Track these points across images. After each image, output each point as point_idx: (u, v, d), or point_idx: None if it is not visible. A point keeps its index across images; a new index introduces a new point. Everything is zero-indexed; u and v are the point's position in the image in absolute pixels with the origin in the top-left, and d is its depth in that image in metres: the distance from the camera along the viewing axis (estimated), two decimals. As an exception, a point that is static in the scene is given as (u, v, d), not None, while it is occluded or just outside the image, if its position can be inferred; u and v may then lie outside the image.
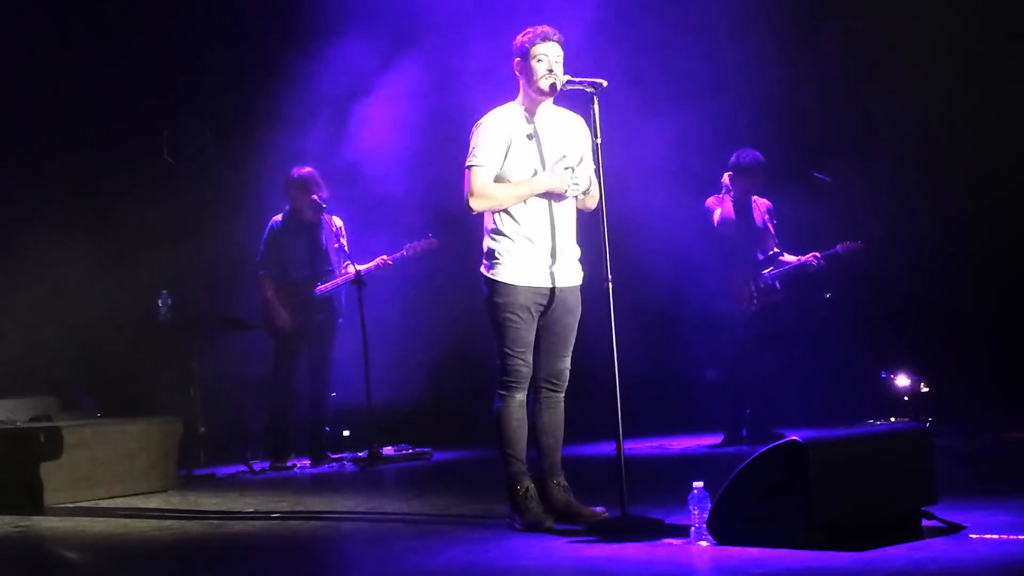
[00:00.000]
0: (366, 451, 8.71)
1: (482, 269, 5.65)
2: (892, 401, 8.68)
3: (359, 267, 8.77)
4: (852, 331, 9.77)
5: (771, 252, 8.84)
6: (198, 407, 8.79)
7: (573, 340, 5.70)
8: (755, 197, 8.89)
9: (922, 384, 8.66)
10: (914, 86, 9.56)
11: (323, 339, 8.96)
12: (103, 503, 7.20)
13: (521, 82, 5.64)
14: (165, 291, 8.91)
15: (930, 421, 8.27)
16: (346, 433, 9.58)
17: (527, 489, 5.53)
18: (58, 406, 8.65)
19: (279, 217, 9.02)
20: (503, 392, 5.59)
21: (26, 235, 9.37)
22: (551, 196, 5.57)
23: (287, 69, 9.69)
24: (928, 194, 9.69)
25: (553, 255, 5.58)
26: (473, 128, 5.64)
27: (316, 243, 8.97)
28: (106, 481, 7.43)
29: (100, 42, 9.63)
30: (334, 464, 8.77)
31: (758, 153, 8.80)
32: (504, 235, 5.58)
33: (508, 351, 5.55)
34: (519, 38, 5.62)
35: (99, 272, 9.47)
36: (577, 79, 5.54)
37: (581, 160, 5.65)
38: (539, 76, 5.54)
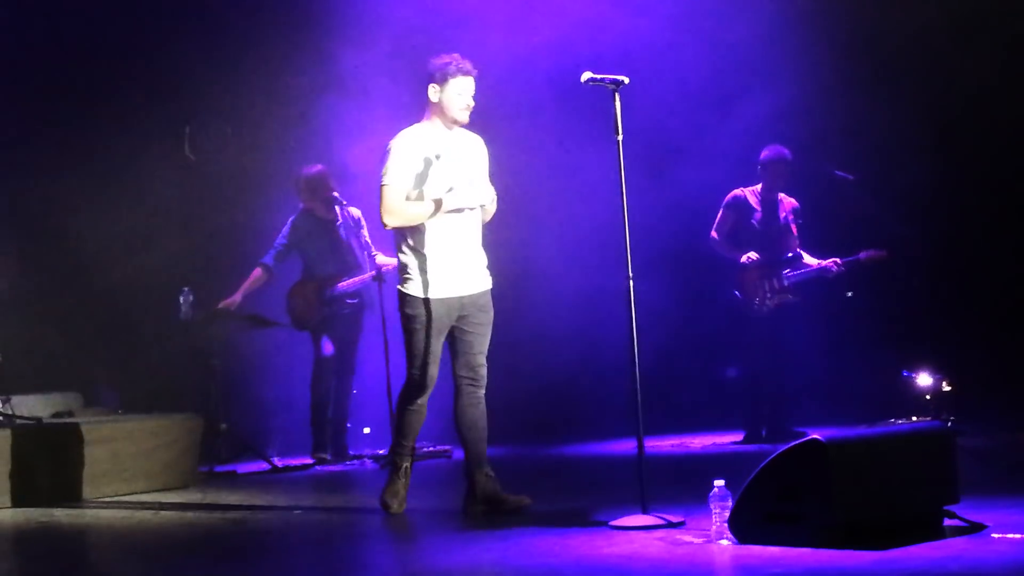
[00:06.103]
0: (386, 448, 8.69)
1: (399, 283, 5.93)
2: (914, 400, 8.64)
3: (381, 261, 8.67)
4: (873, 330, 9.73)
5: (791, 253, 8.78)
6: (219, 404, 8.79)
7: (488, 340, 5.94)
8: (782, 195, 8.84)
9: (944, 383, 8.62)
10: (945, 83, 9.53)
11: (348, 336, 8.91)
12: (125, 499, 7.23)
13: (432, 105, 5.85)
14: (187, 288, 8.91)
15: (952, 420, 8.22)
16: (367, 430, 9.59)
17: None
18: (81, 402, 8.69)
19: (297, 216, 8.99)
20: (406, 399, 5.94)
21: (48, 232, 9.40)
22: (459, 210, 5.82)
23: (309, 64, 9.69)
24: (952, 191, 9.65)
25: (462, 266, 5.88)
26: (386, 149, 5.85)
27: (336, 238, 8.93)
28: (128, 477, 7.46)
29: (123, 39, 9.64)
30: (354, 461, 8.78)
31: (785, 150, 8.73)
32: (415, 250, 5.87)
33: (417, 360, 5.83)
34: (437, 63, 5.83)
35: (121, 268, 9.50)
36: (599, 76, 5.54)
37: (478, 178, 5.92)
38: (458, 109, 5.82)
